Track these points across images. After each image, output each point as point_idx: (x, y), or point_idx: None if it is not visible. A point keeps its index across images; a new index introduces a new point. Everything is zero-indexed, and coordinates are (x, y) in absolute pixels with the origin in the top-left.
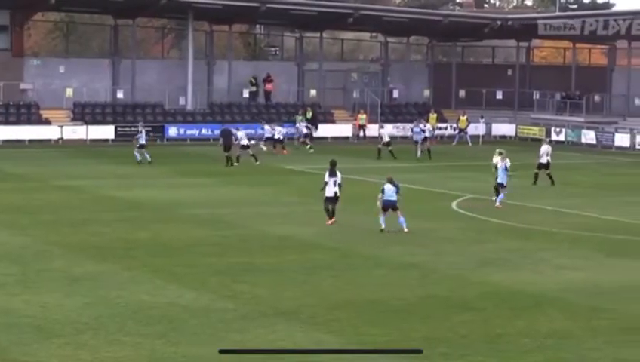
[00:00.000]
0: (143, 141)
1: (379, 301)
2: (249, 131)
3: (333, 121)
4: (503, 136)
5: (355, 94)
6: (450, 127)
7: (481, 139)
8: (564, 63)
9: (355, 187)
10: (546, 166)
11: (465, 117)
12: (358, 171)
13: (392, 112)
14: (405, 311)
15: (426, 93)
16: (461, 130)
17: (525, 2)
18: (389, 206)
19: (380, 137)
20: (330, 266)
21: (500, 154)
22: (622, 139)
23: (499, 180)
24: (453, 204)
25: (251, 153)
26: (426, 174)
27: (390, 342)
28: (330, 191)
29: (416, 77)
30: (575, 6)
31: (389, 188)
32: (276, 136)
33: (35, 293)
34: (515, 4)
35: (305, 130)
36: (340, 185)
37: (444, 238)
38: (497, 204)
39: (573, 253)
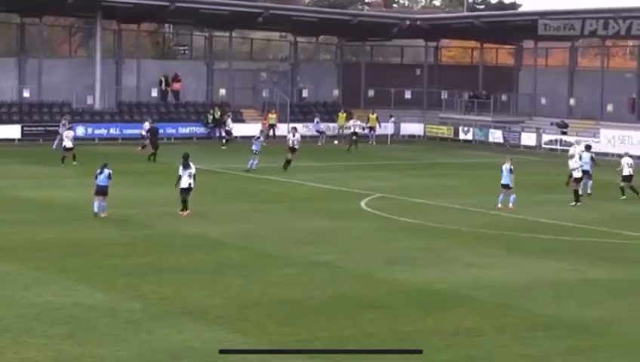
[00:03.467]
0: None
1: (288, 300)
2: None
3: (242, 121)
4: (412, 136)
5: (265, 94)
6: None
7: (389, 139)
8: (471, 63)
9: (267, 186)
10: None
11: (374, 115)
12: (269, 171)
13: (301, 112)
14: (314, 310)
15: (335, 92)
16: (371, 129)
17: (434, 2)
18: (102, 191)
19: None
20: (239, 266)
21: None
22: (528, 138)
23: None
24: (363, 203)
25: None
26: (335, 173)
27: (299, 342)
28: (185, 182)
29: (326, 76)
30: (482, 6)
31: (103, 174)
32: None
33: None
34: (423, 4)
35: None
36: (194, 176)
37: (353, 237)
38: (510, 205)
39: (481, 251)
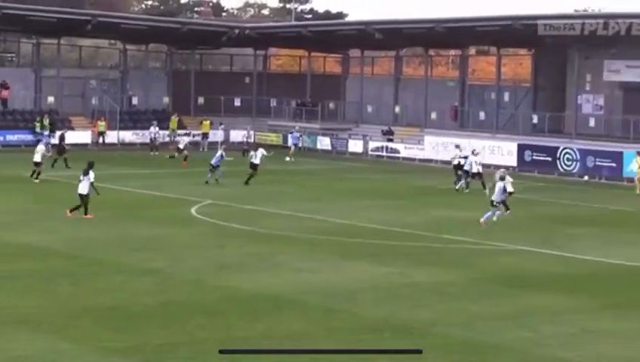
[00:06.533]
0: None
1: (118, 307)
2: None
3: (71, 128)
4: (242, 142)
5: (94, 101)
6: (190, 133)
7: (220, 146)
8: (299, 71)
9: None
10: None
11: (207, 122)
12: (99, 178)
13: (131, 119)
14: (145, 316)
15: (166, 100)
16: (204, 136)
17: (262, 12)
18: None
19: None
20: (70, 273)
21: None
22: (355, 145)
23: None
24: (193, 210)
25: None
26: (166, 180)
27: (131, 349)
28: (83, 188)
29: (156, 84)
30: (310, 16)
31: None
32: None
33: None
34: (252, 13)
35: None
36: (92, 183)
37: (183, 244)
38: (482, 220)
39: (311, 256)
